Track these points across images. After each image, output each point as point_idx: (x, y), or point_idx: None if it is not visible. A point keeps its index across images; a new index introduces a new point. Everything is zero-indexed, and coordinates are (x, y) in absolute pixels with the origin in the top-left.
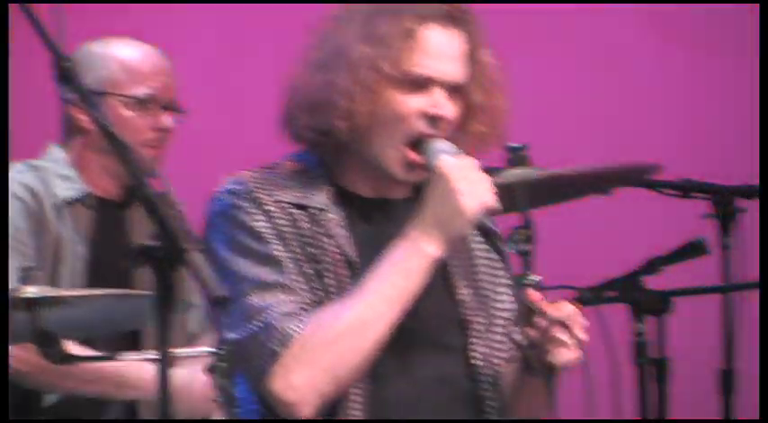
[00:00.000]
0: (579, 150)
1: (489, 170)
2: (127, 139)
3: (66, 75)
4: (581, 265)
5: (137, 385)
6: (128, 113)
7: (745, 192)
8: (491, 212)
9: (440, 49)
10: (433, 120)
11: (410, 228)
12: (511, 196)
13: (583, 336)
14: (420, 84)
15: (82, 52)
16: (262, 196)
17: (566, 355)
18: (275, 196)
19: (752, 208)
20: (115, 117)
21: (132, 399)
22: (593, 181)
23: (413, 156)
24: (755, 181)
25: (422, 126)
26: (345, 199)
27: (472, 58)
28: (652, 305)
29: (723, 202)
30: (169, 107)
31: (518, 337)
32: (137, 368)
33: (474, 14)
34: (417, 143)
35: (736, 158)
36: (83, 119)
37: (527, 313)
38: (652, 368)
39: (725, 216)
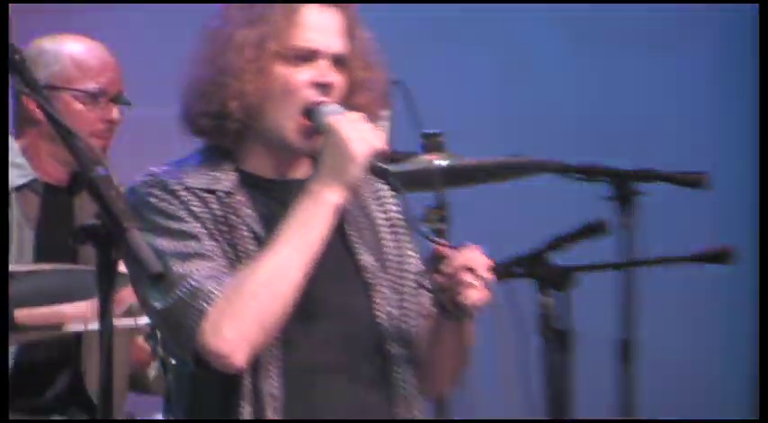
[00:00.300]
0: (496, 139)
1: (406, 155)
2: (78, 129)
3: (17, 67)
4: (492, 243)
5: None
6: (79, 107)
7: (641, 176)
8: (380, 155)
9: (320, 24)
10: (322, 87)
11: (310, 183)
12: (427, 179)
13: (487, 275)
14: (306, 57)
15: (34, 48)
16: (172, 184)
17: (474, 295)
18: (185, 183)
19: (647, 190)
20: (67, 110)
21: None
22: (503, 170)
23: (307, 123)
24: (656, 167)
25: (312, 95)
26: (250, 182)
27: (350, 35)
28: (557, 280)
29: (622, 185)
30: (116, 100)
31: (429, 283)
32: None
33: None
34: (310, 111)
35: (638, 146)
36: (35, 110)
37: (434, 260)
38: (557, 339)
39: (623, 198)
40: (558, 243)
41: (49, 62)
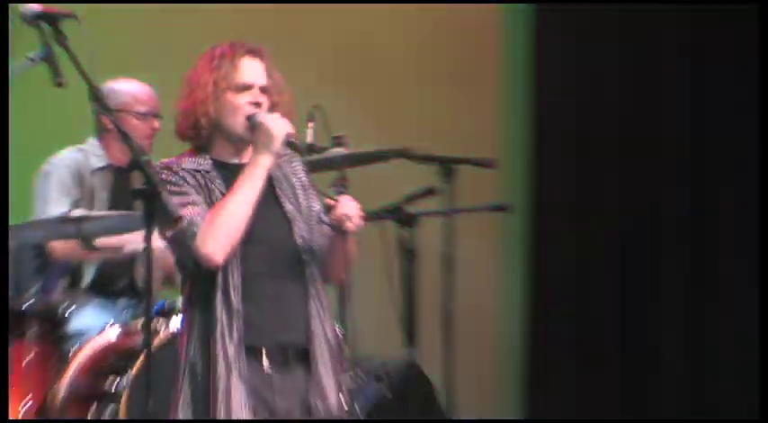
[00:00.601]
0: (375, 140)
1: (322, 149)
2: (133, 134)
3: (98, 97)
4: (370, 199)
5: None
6: (135, 122)
7: (457, 160)
8: (290, 135)
9: (252, 68)
10: (256, 105)
11: (251, 157)
12: (335, 162)
13: (358, 213)
14: (245, 88)
15: (106, 88)
16: (174, 167)
17: (350, 226)
18: (181, 166)
19: (461, 170)
20: (127, 124)
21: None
22: (378, 156)
23: (249, 124)
24: (466, 155)
25: (250, 109)
26: (219, 165)
27: (269, 75)
28: (408, 221)
29: (446, 166)
30: (156, 116)
31: (326, 219)
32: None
33: (267, 50)
34: (250, 118)
35: (458, 144)
36: (107, 122)
37: (327, 210)
38: (408, 256)
39: (446, 173)
40: (409, 199)
41: (115, 96)
